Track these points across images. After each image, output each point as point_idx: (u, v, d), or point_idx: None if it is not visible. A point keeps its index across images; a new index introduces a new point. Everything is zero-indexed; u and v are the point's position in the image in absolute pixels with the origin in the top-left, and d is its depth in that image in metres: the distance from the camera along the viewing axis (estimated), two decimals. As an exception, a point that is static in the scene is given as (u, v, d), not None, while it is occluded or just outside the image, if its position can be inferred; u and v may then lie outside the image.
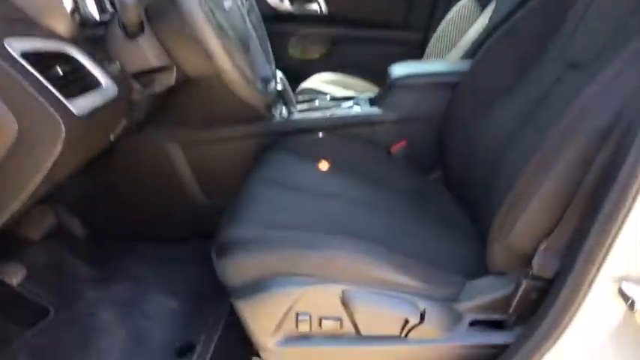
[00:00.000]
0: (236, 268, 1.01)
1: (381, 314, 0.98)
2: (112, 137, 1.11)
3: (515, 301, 0.95)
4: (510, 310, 0.97)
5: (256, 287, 0.99)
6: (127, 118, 1.13)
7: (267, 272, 0.99)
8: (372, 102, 1.55)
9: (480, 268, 1.05)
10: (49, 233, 1.46)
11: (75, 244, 1.58)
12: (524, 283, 0.93)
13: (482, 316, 1.01)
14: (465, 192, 1.32)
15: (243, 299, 1.00)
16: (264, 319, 1.00)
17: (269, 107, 1.51)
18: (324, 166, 1.30)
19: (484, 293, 1.00)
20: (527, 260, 0.93)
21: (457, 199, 1.35)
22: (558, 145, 0.88)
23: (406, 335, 1.00)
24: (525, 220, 0.91)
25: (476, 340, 1.00)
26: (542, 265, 0.91)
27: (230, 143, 1.50)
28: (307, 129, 1.48)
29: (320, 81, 2.16)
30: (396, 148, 1.51)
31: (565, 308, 0.85)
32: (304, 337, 1.02)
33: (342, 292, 0.97)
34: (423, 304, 0.98)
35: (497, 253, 0.99)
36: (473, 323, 1.01)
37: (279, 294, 0.97)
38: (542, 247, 0.91)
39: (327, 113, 1.51)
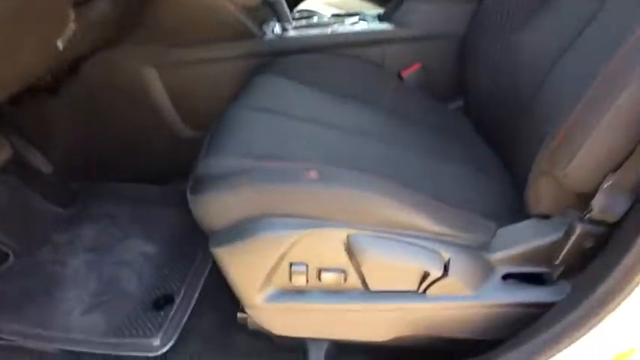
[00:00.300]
0: (214, 208, 0.83)
1: (394, 265, 0.81)
2: (60, 45, 0.89)
3: (565, 250, 0.78)
4: (556, 262, 0.80)
5: (240, 231, 0.81)
6: (78, 22, 0.90)
7: (253, 212, 0.81)
8: (381, 18, 1.35)
9: (513, 211, 0.88)
10: (4, 168, 1.27)
11: (38, 182, 1.42)
12: (579, 228, 0.76)
13: (518, 269, 0.84)
14: (492, 123, 1.13)
15: (223, 246, 0.83)
16: (249, 271, 0.84)
17: (259, 22, 1.30)
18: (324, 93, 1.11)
19: (522, 241, 0.83)
20: (584, 200, 0.76)
21: (480, 132, 1.17)
22: (636, 53, 0.68)
23: (425, 291, 0.83)
24: (588, 149, 0.72)
25: (510, 297, 0.84)
26: (605, 205, 0.73)
27: (214, 65, 1.32)
28: (304, 48, 1.29)
29: (320, 2, 1.91)
30: (409, 72, 1.31)
31: (638, 260, 0.65)
32: (299, 293, 0.86)
33: (347, 237, 0.80)
34: (447, 253, 0.81)
35: (545, 191, 0.81)
36: (506, 277, 0.85)
37: (268, 239, 0.80)
38: (606, 183, 0.72)
39: (328, 30, 1.31)
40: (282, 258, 0.81)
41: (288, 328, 0.91)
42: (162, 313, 1.12)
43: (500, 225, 0.86)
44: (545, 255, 0.81)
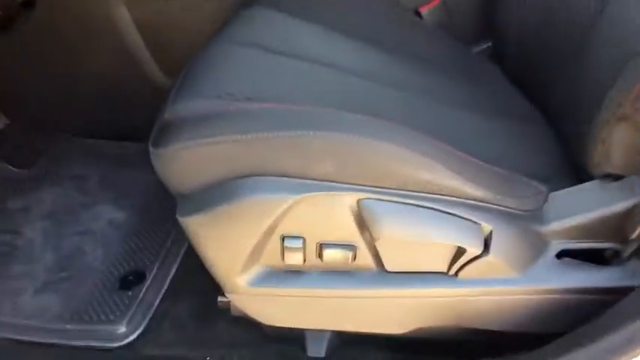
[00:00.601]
0: (183, 164, 0.66)
1: (419, 239, 0.65)
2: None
3: (645, 221, 0.61)
4: (633, 236, 0.64)
5: (216, 194, 0.65)
6: None
7: (233, 169, 0.64)
8: (396, -59, 1.18)
9: (564, 172, 0.75)
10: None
11: (-9, 138, 1.29)
12: None
13: (577, 245, 0.69)
14: (528, 67, 0.97)
15: (195, 214, 0.66)
16: (230, 246, 0.68)
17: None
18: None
19: (584, 209, 0.67)
20: None
21: (511, 79, 1.02)
22: None
23: (457, 272, 0.67)
24: None
25: (567, 280, 0.68)
26: None
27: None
28: (303, -22, 1.13)
29: None
30: (428, 7, 1.16)
31: None
32: (294, 274, 0.71)
33: (358, 202, 0.63)
34: (488, 225, 0.64)
35: (619, 144, 0.64)
36: (561, 255, 0.69)
37: (253, 205, 0.64)
38: None
39: (331, -44, 1.14)
40: (271, 230, 0.65)
41: (280, 317, 0.76)
42: (130, 293, 0.96)
43: (553, 188, 0.69)
44: (615, 227, 0.65)
